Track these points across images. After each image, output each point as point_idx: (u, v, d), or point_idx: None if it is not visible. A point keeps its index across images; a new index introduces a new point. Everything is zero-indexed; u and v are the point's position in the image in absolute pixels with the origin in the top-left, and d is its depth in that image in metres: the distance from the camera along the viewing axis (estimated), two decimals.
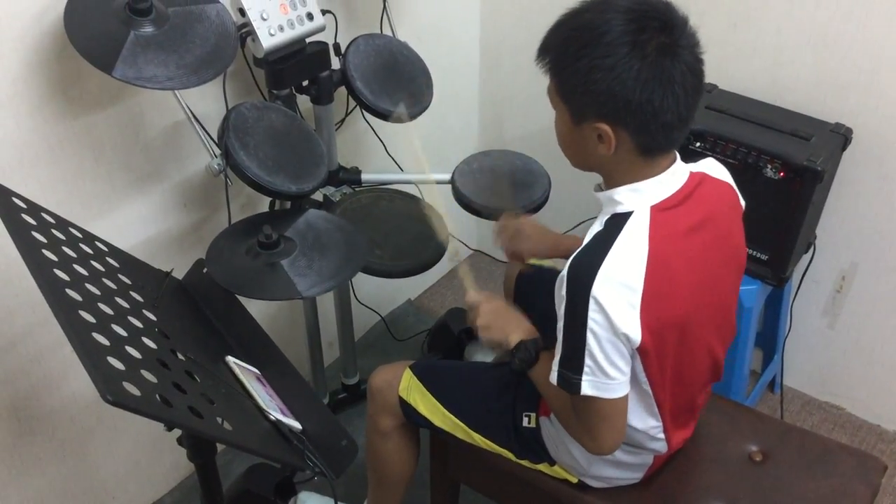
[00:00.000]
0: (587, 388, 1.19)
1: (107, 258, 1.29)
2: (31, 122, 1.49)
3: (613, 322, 1.14)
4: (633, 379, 1.24)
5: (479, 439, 1.52)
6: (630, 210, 1.21)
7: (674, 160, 1.24)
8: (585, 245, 1.21)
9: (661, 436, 1.36)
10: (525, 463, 1.50)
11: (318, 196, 1.85)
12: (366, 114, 1.87)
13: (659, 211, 1.20)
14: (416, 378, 1.59)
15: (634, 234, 1.18)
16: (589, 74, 1.11)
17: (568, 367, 1.20)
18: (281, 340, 2.22)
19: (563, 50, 1.15)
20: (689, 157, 1.90)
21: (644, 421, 1.32)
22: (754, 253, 1.97)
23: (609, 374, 1.18)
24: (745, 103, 2.00)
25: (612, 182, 1.24)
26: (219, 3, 1.51)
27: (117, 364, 0.95)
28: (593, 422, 1.25)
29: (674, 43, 1.11)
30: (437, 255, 1.68)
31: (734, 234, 1.34)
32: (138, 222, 1.77)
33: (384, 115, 1.82)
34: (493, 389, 1.53)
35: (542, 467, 1.49)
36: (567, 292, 1.17)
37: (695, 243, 1.23)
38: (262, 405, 1.18)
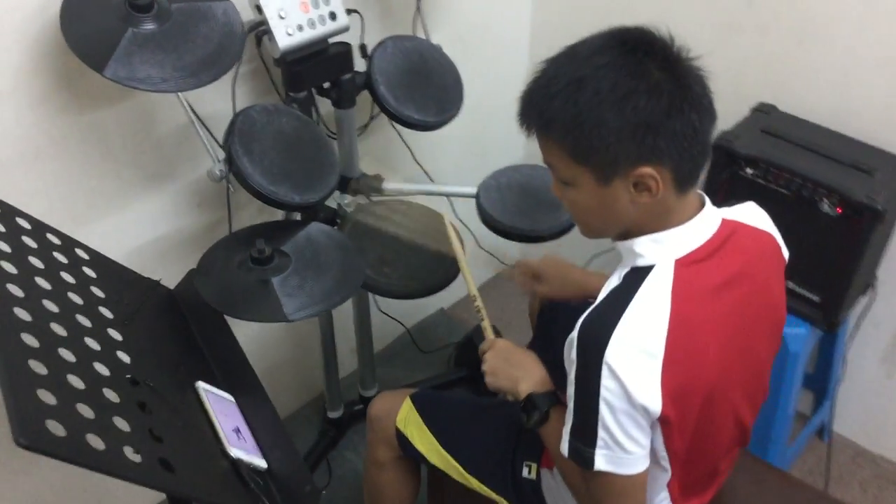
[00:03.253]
0: (601, 463, 1.06)
1: (83, 267, 1.22)
2: (33, 115, 1.44)
3: (630, 392, 1.01)
4: (650, 452, 1.10)
5: (475, 483, 1.42)
6: (651, 264, 1.07)
7: (702, 204, 1.11)
8: (599, 302, 1.08)
9: None
10: None
11: (332, 204, 1.76)
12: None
13: (684, 265, 1.07)
14: (415, 409, 1.49)
15: (655, 291, 1.05)
16: (616, 119, 0.98)
17: (580, 438, 1.07)
18: (298, 345, 2.18)
19: (568, 108, 1.00)
20: (739, 184, 1.78)
21: (650, 492, 1.18)
22: (805, 293, 1.80)
23: (626, 448, 1.05)
24: (805, 128, 1.83)
25: (631, 233, 1.10)
26: (228, 1, 1.43)
27: (48, 398, 0.88)
28: (607, 500, 1.11)
29: (679, 59, 1.01)
30: (446, 280, 1.57)
31: (772, 289, 1.20)
32: (148, 221, 1.71)
33: (407, 123, 1.71)
34: (495, 431, 1.42)
35: None
36: (577, 356, 1.04)
37: (725, 302, 1.09)
38: (224, 440, 1.09)
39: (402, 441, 1.48)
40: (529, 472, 1.36)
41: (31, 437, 0.80)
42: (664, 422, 1.05)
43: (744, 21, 1.92)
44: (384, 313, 2.28)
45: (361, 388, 2.22)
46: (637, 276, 1.07)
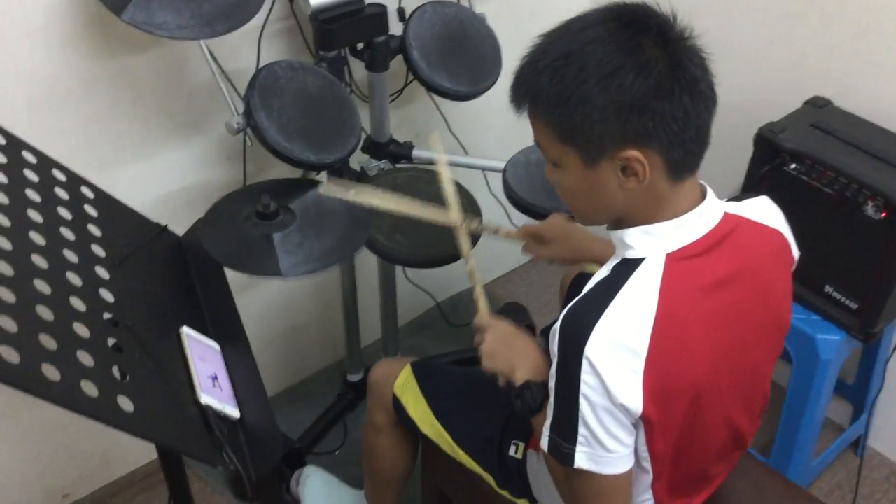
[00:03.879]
0: (582, 461, 1.02)
1: (85, 205, 1.24)
2: (64, 55, 1.47)
3: (609, 389, 0.96)
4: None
5: (462, 456, 1.40)
6: (641, 257, 1.02)
7: (702, 196, 1.05)
8: (585, 293, 1.03)
9: None
10: (505, 494, 1.36)
11: (356, 167, 1.75)
12: None
13: (677, 260, 1.01)
14: (413, 377, 1.47)
15: (642, 286, 1.00)
16: (601, 96, 0.93)
17: (560, 433, 1.03)
18: (326, 307, 2.18)
19: (553, 84, 0.95)
20: (782, 179, 1.69)
21: (632, 493, 1.13)
22: (842, 299, 1.71)
23: (607, 447, 1.00)
24: (858, 126, 1.73)
25: (624, 222, 1.05)
26: None
27: (9, 325, 0.89)
28: (588, 499, 1.07)
29: (678, 38, 0.95)
30: (457, 254, 1.54)
31: (775, 291, 1.13)
32: (176, 170, 1.74)
33: (438, 91, 1.69)
34: (488, 407, 1.40)
35: (523, 503, 1.34)
36: (559, 349, 1.00)
37: (719, 301, 1.03)
38: (197, 387, 1.10)
39: (398, 407, 1.47)
40: (516, 452, 1.33)
41: None
42: (646, 422, 1.00)
43: (807, 10, 1.82)
44: (414, 284, 2.26)
45: (384, 355, 2.22)
46: (626, 268, 1.02)
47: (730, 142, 1.90)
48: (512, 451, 1.34)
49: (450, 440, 1.40)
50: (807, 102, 1.80)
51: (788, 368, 1.81)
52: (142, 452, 1.99)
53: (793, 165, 1.68)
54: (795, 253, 1.17)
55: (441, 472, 1.52)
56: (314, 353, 2.29)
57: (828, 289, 1.72)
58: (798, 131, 1.70)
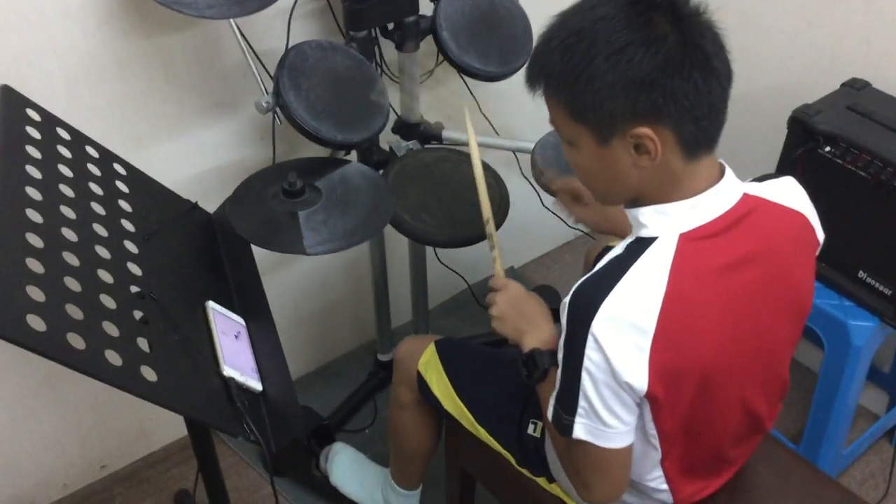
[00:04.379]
0: (580, 432, 1.03)
1: (117, 182, 1.27)
2: (100, 34, 1.50)
3: (614, 366, 0.97)
4: (640, 427, 1.07)
5: (483, 434, 1.41)
6: (654, 235, 1.02)
7: (719, 175, 1.04)
8: (597, 269, 1.03)
9: (664, 486, 1.17)
10: (525, 472, 1.37)
11: (384, 146, 1.76)
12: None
13: (690, 240, 1.01)
14: (437, 355, 1.49)
15: (653, 264, 1.00)
16: (609, 73, 0.93)
17: (562, 404, 1.05)
18: (358, 287, 2.21)
19: (563, 62, 0.96)
20: (816, 162, 1.66)
21: (640, 469, 1.15)
22: (876, 285, 1.68)
23: (605, 421, 1.01)
24: None
25: (639, 201, 1.05)
26: None
27: (36, 295, 0.92)
28: (586, 469, 1.09)
29: (690, 14, 0.94)
30: (483, 235, 1.55)
31: (795, 274, 1.11)
32: (210, 150, 1.77)
33: (467, 71, 1.69)
34: (508, 385, 1.41)
35: (541, 481, 1.35)
36: (567, 322, 1.01)
37: (733, 282, 1.03)
38: (221, 359, 1.13)
39: (422, 384, 1.49)
40: (535, 430, 1.34)
41: (5, 327, 0.85)
42: (652, 400, 1.01)
43: None
44: (445, 265, 2.27)
45: (417, 335, 2.24)
46: (639, 246, 1.02)
47: (765, 124, 1.88)
48: (531, 430, 1.35)
49: (471, 417, 1.42)
50: (844, 84, 1.76)
51: (820, 355, 1.79)
52: (177, 427, 2.04)
53: (827, 148, 1.65)
54: (820, 236, 1.15)
55: (463, 450, 1.53)
56: (346, 333, 2.32)
57: (861, 274, 1.69)
58: (833, 114, 1.67)
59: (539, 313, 1.25)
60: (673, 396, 1.02)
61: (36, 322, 0.89)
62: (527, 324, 1.24)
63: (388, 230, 1.58)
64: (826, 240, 1.18)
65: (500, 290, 1.29)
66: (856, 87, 1.74)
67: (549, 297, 2.24)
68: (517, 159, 2.10)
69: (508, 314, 1.26)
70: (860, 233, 1.64)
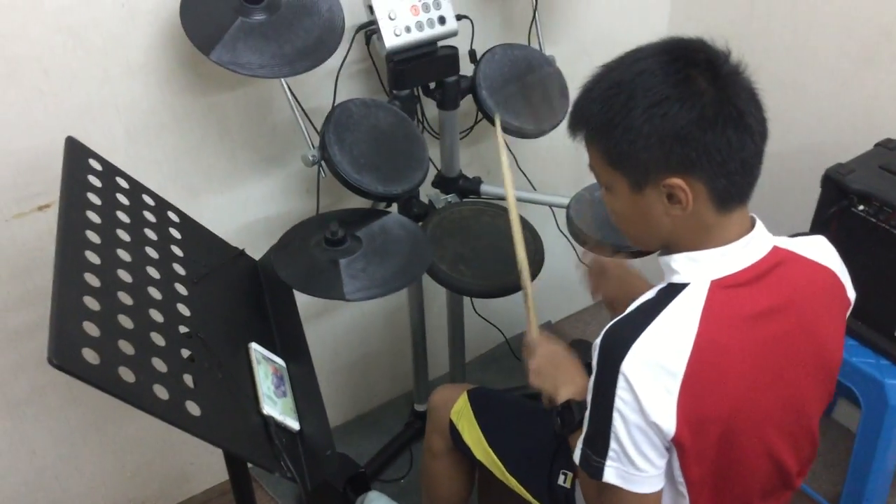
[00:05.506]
0: (611, 476, 1.05)
1: (170, 228, 1.34)
2: (160, 91, 1.60)
3: (644, 407, 0.99)
4: (668, 474, 1.08)
5: (514, 483, 1.43)
6: (686, 282, 1.05)
7: (750, 227, 1.07)
8: (628, 312, 1.06)
9: None
10: None
11: (424, 199, 1.82)
12: None
13: (721, 288, 1.04)
14: (469, 404, 1.52)
15: (685, 309, 1.03)
16: (646, 125, 0.98)
17: (591, 446, 1.07)
18: (397, 338, 2.25)
19: (603, 111, 1.02)
20: (850, 220, 1.67)
21: None
22: None
23: (636, 465, 1.03)
24: None
25: (671, 248, 1.09)
26: None
27: (92, 331, 0.98)
28: None
29: (728, 73, 0.99)
30: (518, 286, 1.59)
31: (822, 329, 1.13)
32: (259, 201, 1.85)
33: (505, 129, 1.75)
34: (540, 435, 1.43)
35: None
36: (597, 363, 1.04)
37: (761, 332, 1.05)
38: (261, 399, 1.17)
39: (454, 433, 1.52)
40: (565, 481, 1.36)
41: (62, 359, 0.90)
42: (679, 446, 1.02)
43: (881, 53, 1.82)
44: (484, 318, 2.31)
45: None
46: (670, 291, 1.05)
47: (799, 183, 1.91)
48: (561, 481, 1.37)
49: (501, 467, 1.44)
50: (877, 144, 1.79)
51: (859, 414, 1.77)
52: (219, 471, 2.08)
53: (861, 207, 1.67)
54: (851, 294, 1.17)
55: (495, 500, 1.55)
56: (384, 383, 2.36)
57: None
58: (866, 173, 1.69)
59: (575, 367, 1.28)
60: (700, 443, 1.03)
61: (90, 355, 0.95)
62: (561, 376, 1.27)
63: (427, 282, 1.64)
64: (861, 297, 1.19)
65: (537, 346, 1.32)
66: (889, 147, 1.76)
67: (585, 351, 2.23)
68: (553, 214, 2.15)
69: (545, 369, 1.29)
70: (895, 290, 1.64)
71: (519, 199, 1.86)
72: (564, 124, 1.15)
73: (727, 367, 1.03)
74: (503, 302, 1.73)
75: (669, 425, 1.00)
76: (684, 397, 0.99)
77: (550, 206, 1.92)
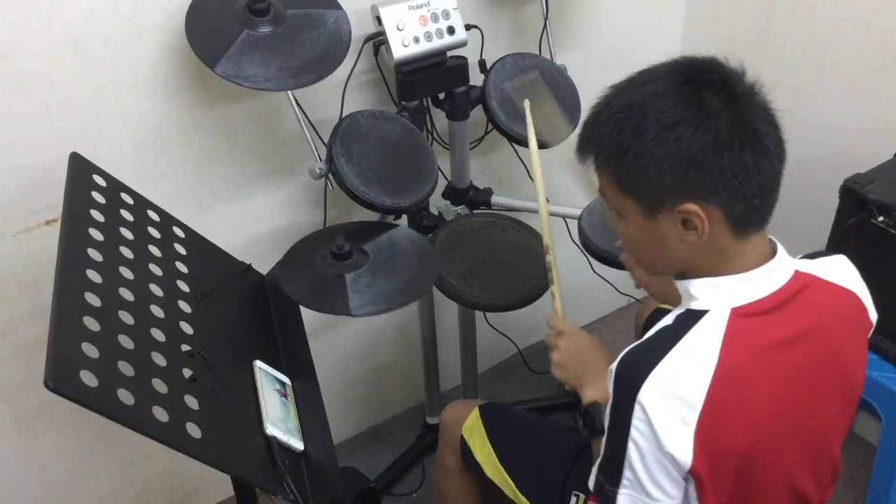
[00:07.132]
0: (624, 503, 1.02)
1: (175, 244, 1.33)
2: (167, 105, 1.59)
3: (660, 438, 0.96)
4: (685, 502, 1.04)
5: (524, 502, 1.40)
6: (706, 308, 1.01)
7: (770, 252, 1.03)
8: (646, 338, 1.02)
9: None
10: None
11: (434, 211, 1.80)
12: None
13: (742, 316, 1.00)
14: (480, 420, 1.50)
15: (704, 338, 0.99)
16: (659, 149, 0.94)
17: (605, 473, 1.04)
18: (408, 350, 2.23)
19: (613, 135, 0.97)
20: (870, 231, 1.64)
21: None
22: None
23: (651, 494, 1.00)
24: None
25: (688, 273, 1.05)
26: (341, 10, 1.51)
27: (90, 352, 0.97)
28: None
29: (744, 93, 0.94)
30: (529, 297, 1.57)
31: (846, 354, 1.08)
32: (268, 213, 1.83)
33: (515, 139, 1.73)
34: (552, 454, 1.40)
35: None
36: (613, 390, 1.00)
37: (784, 361, 1.01)
38: (265, 417, 1.16)
39: (465, 450, 1.50)
40: (577, 502, 1.33)
41: (59, 383, 0.89)
42: (696, 477, 0.99)
43: None
44: (496, 329, 2.29)
45: (463, 399, 2.24)
46: (689, 318, 1.01)
47: (817, 194, 1.87)
48: (573, 502, 1.34)
49: (512, 485, 1.41)
50: None
51: (879, 427, 1.73)
52: (228, 486, 2.06)
53: (880, 218, 1.63)
54: (873, 316, 1.13)
55: None
56: (396, 396, 2.33)
57: None
58: (886, 183, 1.65)
59: (602, 365, 1.20)
60: (717, 475, 1.00)
61: (88, 378, 0.94)
62: (589, 374, 1.22)
63: (438, 294, 1.61)
64: (881, 310, 1.15)
65: (563, 334, 1.27)
66: None
67: None
68: (566, 225, 2.12)
69: (571, 363, 1.25)
70: None
71: (529, 211, 1.84)
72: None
73: (747, 398, 0.99)
74: (516, 313, 1.71)
75: (686, 457, 0.96)
76: (702, 429, 0.96)
77: (563, 216, 1.89)
